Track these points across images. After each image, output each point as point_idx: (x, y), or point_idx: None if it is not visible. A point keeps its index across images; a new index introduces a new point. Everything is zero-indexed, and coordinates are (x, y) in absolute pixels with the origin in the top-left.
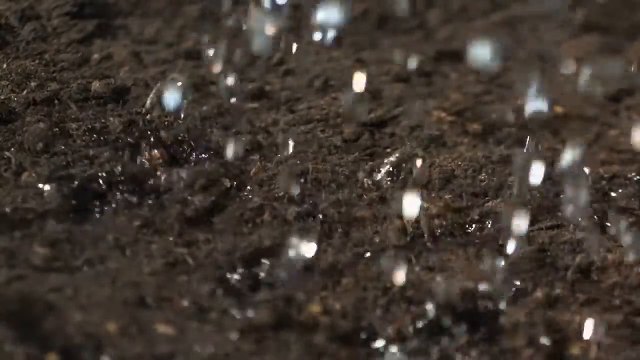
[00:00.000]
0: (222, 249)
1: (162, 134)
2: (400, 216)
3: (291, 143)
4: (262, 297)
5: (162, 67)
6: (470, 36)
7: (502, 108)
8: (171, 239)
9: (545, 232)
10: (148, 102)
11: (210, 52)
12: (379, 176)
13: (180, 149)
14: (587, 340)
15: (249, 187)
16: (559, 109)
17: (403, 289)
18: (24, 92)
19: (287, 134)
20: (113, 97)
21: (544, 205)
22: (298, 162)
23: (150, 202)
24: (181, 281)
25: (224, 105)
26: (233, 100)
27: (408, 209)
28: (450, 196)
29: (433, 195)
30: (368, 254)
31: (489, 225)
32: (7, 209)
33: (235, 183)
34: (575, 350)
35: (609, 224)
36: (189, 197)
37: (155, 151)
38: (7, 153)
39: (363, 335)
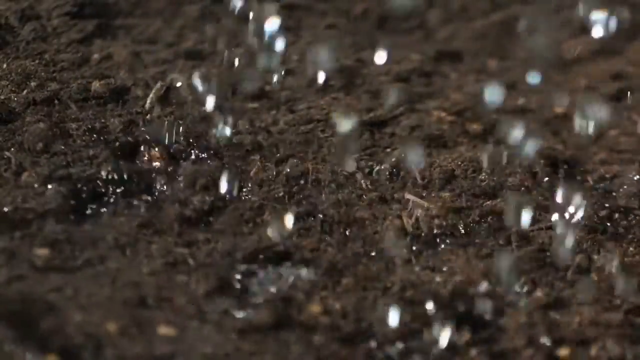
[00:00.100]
0: (222, 249)
1: (162, 134)
2: (400, 216)
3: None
4: (262, 297)
5: (162, 67)
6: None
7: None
8: (171, 239)
9: (545, 232)
10: (148, 102)
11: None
12: (378, 176)
13: (180, 149)
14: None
15: (249, 187)
16: (559, 109)
17: (403, 288)
18: (24, 92)
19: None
20: (113, 97)
21: (544, 205)
22: (298, 162)
23: (150, 202)
24: (181, 281)
25: (224, 105)
26: (233, 100)
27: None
28: (450, 196)
29: (433, 195)
30: (368, 254)
31: (489, 225)
32: (7, 209)
33: (235, 183)
34: (564, 352)
35: (609, 224)
36: (189, 197)
37: (155, 151)
38: (7, 153)
39: (363, 335)
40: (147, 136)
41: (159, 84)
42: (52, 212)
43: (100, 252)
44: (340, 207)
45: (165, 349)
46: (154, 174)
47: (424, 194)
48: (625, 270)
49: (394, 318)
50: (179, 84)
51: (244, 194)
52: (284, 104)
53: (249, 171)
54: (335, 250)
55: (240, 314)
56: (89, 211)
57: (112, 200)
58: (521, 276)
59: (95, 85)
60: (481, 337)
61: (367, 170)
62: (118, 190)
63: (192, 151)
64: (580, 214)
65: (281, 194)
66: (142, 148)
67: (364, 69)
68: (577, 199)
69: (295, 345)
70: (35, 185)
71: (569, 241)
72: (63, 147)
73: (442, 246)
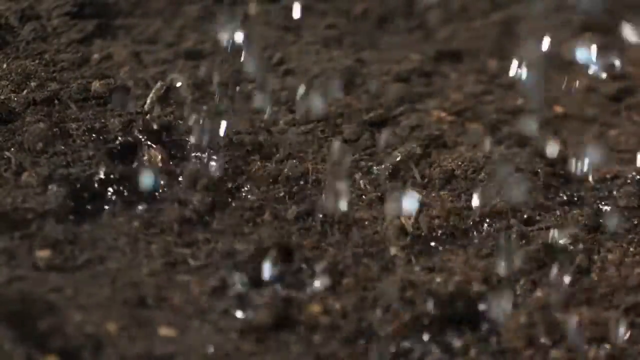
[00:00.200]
0: (222, 249)
1: (162, 134)
2: (400, 216)
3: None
4: (262, 297)
5: (162, 67)
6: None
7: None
8: (171, 239)
9: (545, 232)
10: (148, 102)
11: None
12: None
13: (180, 148)
14: None
15: (248, 187)
16: (559, 109)
17: (403, 288)
18: (24, 92)
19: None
20: (113, 97)
21: (544, 205)
22: (298, 162)
23: (150, 202)
24: (181, 281)
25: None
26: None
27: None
28: (450, 196)
29: (433, 195)
30: (368, 254)
31: (489, 226)
32: (7, 209)
33: (235, 183)
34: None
35: (609, 224)
36: (189, 197)
37: (155, 151)
38: (7, 153)
39: (363, 335)
40: (147, 136)
41: (159, 84)
42: (52, 212)
43: (100, 252)
44: (340, 207)
45: (165, 349)
46: (153, 174)
47: (423, 194)
48: (625, 270)
49: (394, 318)
50: (179, 84)
51: (244, 194)
52: (284, 104)
53: (249, 171)
54: (335, 250)
55: (240, 314)
56: (88, 211)
57: (112, 200)
58: (521, 276)
59: (95, 85)
60: (481, 337)
61: (366, 170)
62: (118, 190)
63: (192, 151)
64: (580, 214)
65: (281, 194)
66: (142, 148)
67: (364, 69)
68: (577, 199)
69: (295, 345)
70: (35, 185)
71: (569, 241)
72: (63, 147)
73: (442, 246)
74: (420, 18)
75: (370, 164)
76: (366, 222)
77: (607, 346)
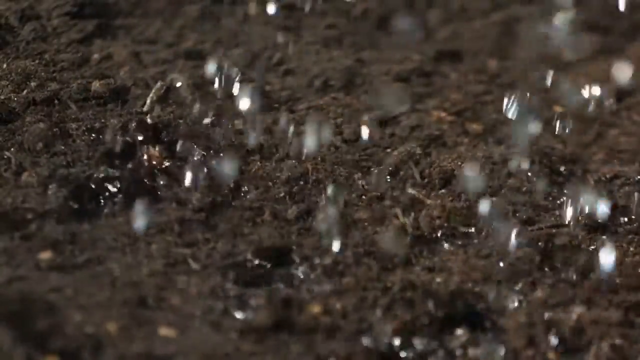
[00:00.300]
0: (222, 249)
1: (162, 133)
2: (399, 216)
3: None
4: (262, 297)
5: (162, 67)
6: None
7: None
8: (171, 239)
9: (545, 232)
10: (148, 102)
11: None
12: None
13: (180, 148)
14: None
15: (248, 187)
16: (559, 109)
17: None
18: (24, 92)
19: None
20: (113, 97)
21: (544, 205)
22: (298, 162)
23: (150, 202)
24: (181, 282)
25: (224, 105)
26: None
27: None
28: (450, 196)
29: (433, 195)
30: (368, 254)
31: (489, 226)
32: (7, 209)
33: (235, 183)
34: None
35: (609, 224)
36: (189, 197)
37: (155, 151)
38: (7, 153)
39: (363, 335)
40: (146, 136)
41: (159, 84)
42: (52, 212)
43: (100, 252)
44: (341, 207)
45: (165, 349)
46: (153, 174)
47: (423, 194)
48: (625, 269)
49: (394, 318)
50: (179, 84)
51: (244, 194)
52: (284, 104)
53: (249, 171)
54: (335, 250)
55: (240, 315)
56: (89, 211)
57: (112, 200)
58: (521, 276)
59: (95, 85)
60: (481, 337)
61: (366, 169)
62: (118, 190)
63: (192, 151)
64: (580, 214)
65: (281, 194)
66: (142, 148)
67: (364, 69)
68: (577, 198)
69: (295, 345)
70: (35, 185)
71: (569, 241)
72: (63, 147)
73: (442, 246)
74: (420, 18)
75: (370, 164)
76: (366, 222)
77: (607, 346)
